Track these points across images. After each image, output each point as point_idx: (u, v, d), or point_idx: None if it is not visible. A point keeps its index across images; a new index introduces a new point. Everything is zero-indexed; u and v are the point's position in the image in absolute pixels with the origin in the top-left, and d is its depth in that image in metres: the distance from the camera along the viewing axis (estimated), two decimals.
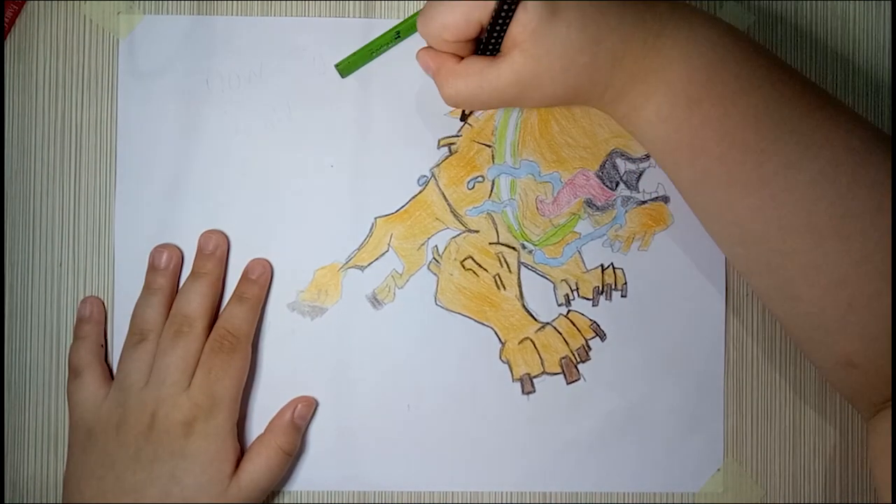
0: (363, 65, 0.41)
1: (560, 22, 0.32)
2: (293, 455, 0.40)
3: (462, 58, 0.35)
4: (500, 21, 0.32)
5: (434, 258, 0.41)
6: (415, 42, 0.41)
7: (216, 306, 0.40)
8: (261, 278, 0.40)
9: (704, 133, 0.33)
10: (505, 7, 0.32)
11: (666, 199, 0.41)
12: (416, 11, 0.41)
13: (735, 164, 0.33)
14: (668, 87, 0.33)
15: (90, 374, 0.39)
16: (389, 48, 0.41)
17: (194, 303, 0.39)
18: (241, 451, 0.39)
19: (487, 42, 0.34)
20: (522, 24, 0.32)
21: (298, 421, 0.40)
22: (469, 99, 0.35)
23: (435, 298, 0.41)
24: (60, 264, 0.41)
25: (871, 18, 0.42)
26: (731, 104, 0.33)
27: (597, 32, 0.32)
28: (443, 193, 0.41)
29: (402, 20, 0.41)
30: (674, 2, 0.34)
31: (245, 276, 0.40)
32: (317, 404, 0.41)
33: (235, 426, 0.38)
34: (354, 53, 0.41)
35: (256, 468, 0.38)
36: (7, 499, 0.40)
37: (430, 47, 0.36)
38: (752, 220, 0.33)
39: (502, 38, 0.33)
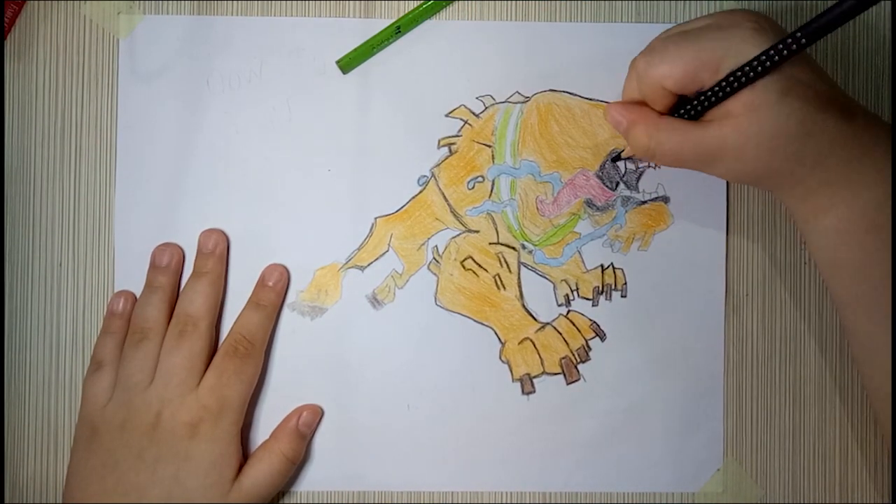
0: (364, 61, 0.41)
1: (784, 107, 0.32)
2: (297, 462, 0.40)
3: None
4: (728, 90, 0.32)
5: (434, 258, 0.41)
6: (415, 38, 0.41)
7: (219, 305, 0.40)
8: (277, 285, 0.40)
9: (873, 259, 0.33)
10: (738, 77, 0.32)
11: (666, 200, 0.41)
12: (416, 6, 0.41)
13: (886, 302, 0.33)
14: (854, 205, 0.33)
15: (110, 371, 0.39)
16: (390, 43, 0.41)
17: (197, 302, 0.39)
18: (244, 456, 0.39)
19: (697, 105, 0.34)
20: (745, 99, 0.32)
21: (303, 428, 0.40)
22: (666, 153, 0.34)
23: (435, 298, 0.41)
24: (60, 264, 0.41)
25: (871, 18, 0.42)
26: None
27: (812, 126, 0.32)
28: (443, 193, 0.41)
29: (401, 15, 0.41)
30: (879, 120, 0.34)
31: (262, 283, 0.40)
32: (322, 413, 0.41)
33: (240, 431, 0.38)
34: (355, 49, 0.41)
35: (259, 473, 0.38)
36: (7, 499, 0.40)
37: (621, 102, 0.36)
38: (885, 352, 0.34)
39: (715, 105, 0.33)
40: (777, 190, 0.35)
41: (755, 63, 0.31)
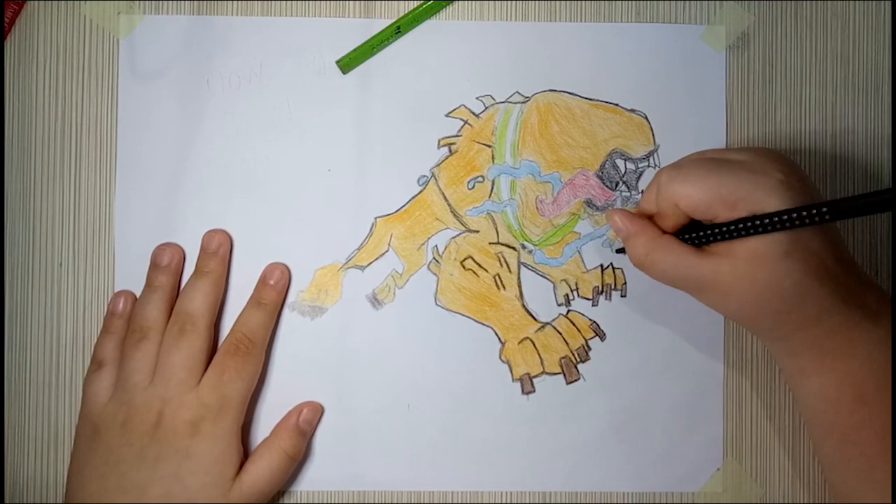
0: (364, 60, 0.41)
1: (784, 266, 0.32)
2: (297, 459, 0.40)
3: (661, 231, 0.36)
4: (738, 232, 0.32)
5: (434, 258, 0.41)
6: (415, 38, 0.41)
7: (219, 305, 0.40)
8: (278, 284, 0.40)
9: (862, 431, 0.33)
10: (753, 224, 0.32)
11: None
12: (416, 6, 0.41)
13: (879, 469, 0.33)
14: (842, 376, 0.33)
15: (111, 370, 0.39)
16: (390, 43, 0.41)
17: (197, 301, 0.39)
18: (245, 455, 0.39)
19: (703, 236, 0.34)
20: (751, 245, 0.32)
21: (304, 425, 0.40)
22: (658, 272, 0.35)
23: (435, 298, 0.41)
24: (60, 264, 0.41)
25: (871, 18, 0.42)
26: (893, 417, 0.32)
27: (806, 293, 0.32)
28: (443, 193, 0.41)
29: (401, 15, 0.41)
30: (885, 294, 0.34)
31: (263, 281, 0.40)
32: (323, 410, 0.41)
33: (240, 429, 0.38)
34: (355, 49, 0.41)
35: (259, 471, 0.38)
36: (7, 499, 0.40)
37: (626, 211, 0.36)
38: None
39: (719, 241, 0.33)
40: (762, 339, 0.35)
41: (775, 218, 0.31)
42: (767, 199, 0.32)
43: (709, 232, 0.33)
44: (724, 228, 0.33)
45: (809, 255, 0.32)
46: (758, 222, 0.32)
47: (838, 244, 0.34)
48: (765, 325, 0.34)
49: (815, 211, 0.31)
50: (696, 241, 0.34)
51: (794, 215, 0.31)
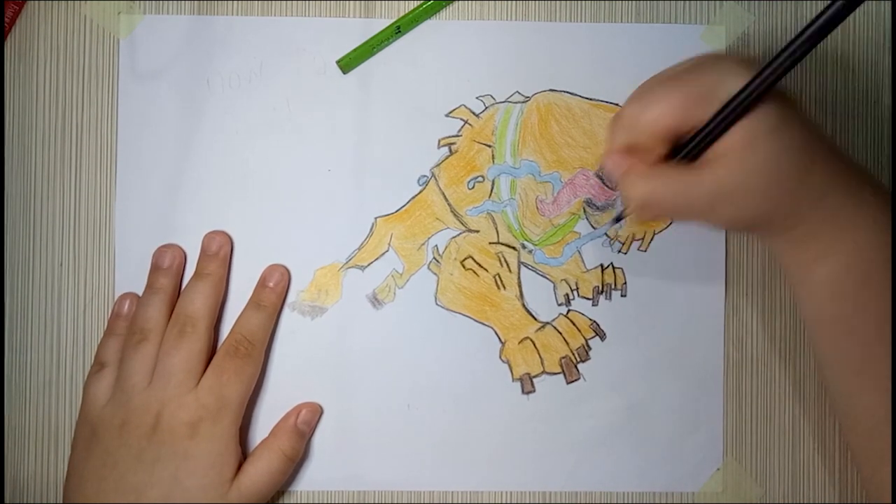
0: (364, 60, 0.41)
1: (781, 138, 0.30)
2: (296, 460, 0.40)
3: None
4: (723, 123, 0.30)
5: (434, 258, 0.41)
6: (415, 38, 0.41)
7: (219, 307, 0.40)
8: (278, 285, 0.40)
9: (862, 316, 0.33)
10: (732, 108, 0.30)
11: None
12: (416, 6, 0.41)
13: (874, 360, 0.32)
14: (850, 253, 0.32)
15: (112, 371, 0.39)
16: (390, 43, 0.41)
17: (198, 302, 0.39)
18: (243, 456, 0.39)
19: (693, 145, 0.31)
20: (741, 134, 0.30)
21: (302, 426, 0.40)
22: (661, 202, 0.32)
23: (435, 298, 0.41)
24: (61, 264, 0.41)
25: (871, 18, 0.42)
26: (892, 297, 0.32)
27: (811, 160, 0.31)
28: (443, 193, 0.41)
29: (401, 15, 0.41)
30: (870, 175, 0.34)
31: (262, 283, 0.40)
32: (322, 411, 0.41)
33: (238, 431, 0.38)
34: (355, 49, 0.41)
35: (258, 471, 0.38)
36: (7, 499, 0.40)
37: (619, 150, 0.33)
38: (875, 415, 0.33)
39: (711, 143, 0.31)
40: (776, 235, 0.34)
41: (748, 88, 0.30)
42: (734, 78, 0.30)
43: (698, 139, 0.31)
44: (709, 127, 0.31)
45: (798, 124, 0.31)
46: (736, 103, 0.30)
47: (821, 129, 0.33)
48: (784, 214, 0.32)
49: (783, 58, 0.29)
50: (690, 157, 0.32)
51: (766, 72, 0.29)
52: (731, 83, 0.30)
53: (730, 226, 0.33)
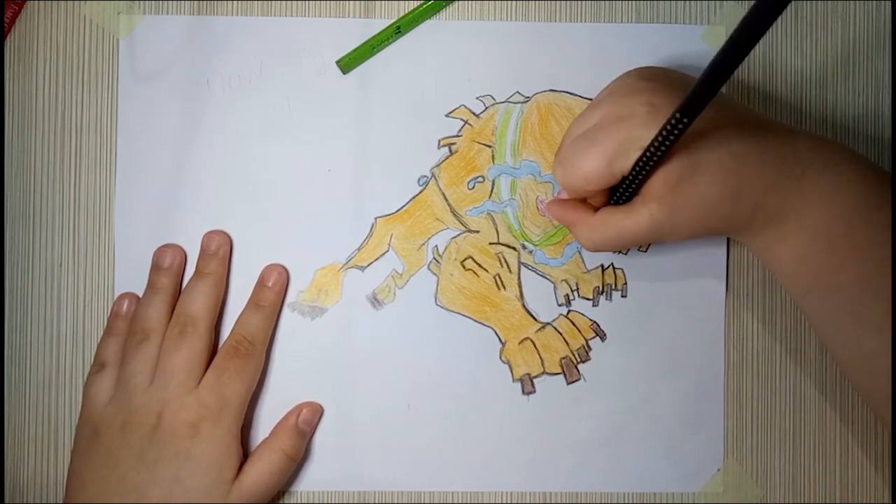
0: (364, 61, 0.41)
1: (701, 177, 0.32)
2: (297, 460, 0.39)
3: (595, 207, 0.36)
4: (642, 174, 0.33)
5: (434, 258, 0.41)
6: (415, 38, 0.41)
7: (220, 306, 0.40)
8: (276, 285, 0.40)
9: (840, 275, 0.33)
10: (646, 160, 0.32)
11: None
12: (416, 6, 0.41)
13: (867, 306, 0.33)
14: (807, 231, 0.33)
15: (113, 371, 0.39)
16: (390, 43, 0.41)
17: (198, 302, 0.39)
18: (244, 455, 0.39)
19: (623, 192, 0.34)
20: (662, 179, 0.32)
21: (303, 426, 0.40)
22: (606, 246, 0.36)
23: (435, 298, 0.41)
24: (60, 264, 0.41)
25: (871, 18, 0.42)
26: (868, 252, 0.33)
27: (737, 184, 0.33)
28: (443, 193, 0.41)
29: (402, 15, 0.41)
30: (815, 140, 0.34)
31: (261, 283, 0.40)
32: (322, 411, 0.41)
33: (240, 431, 0.38)
34: (355, 49, 0.41)
35: (259, 471, 0.38)
36: (7, 499, 0.40)
37: (562, 200, 0.37)
38: (881, 355, 0.33)
39: (639, 188, 0.34)
40: (730, 234, 0.36)
41: (651, 150, 0.31)
42: (644, 133, 0.32)
43: (620, 192, 0.34)
44: (628, 183, 0.33)
45: (717, 153, 0.32)
46: (646, 159, 0.32)
47: (739, 115, 0.34)
48: (723, 230, 0.35)
49: (674, 122, 0.30)
50: (624, 199, 0.35)
51: (661, 137, 0.31)
52: (640, 140, 0.32)
53: (680, 241, 0.36)
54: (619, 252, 0.41)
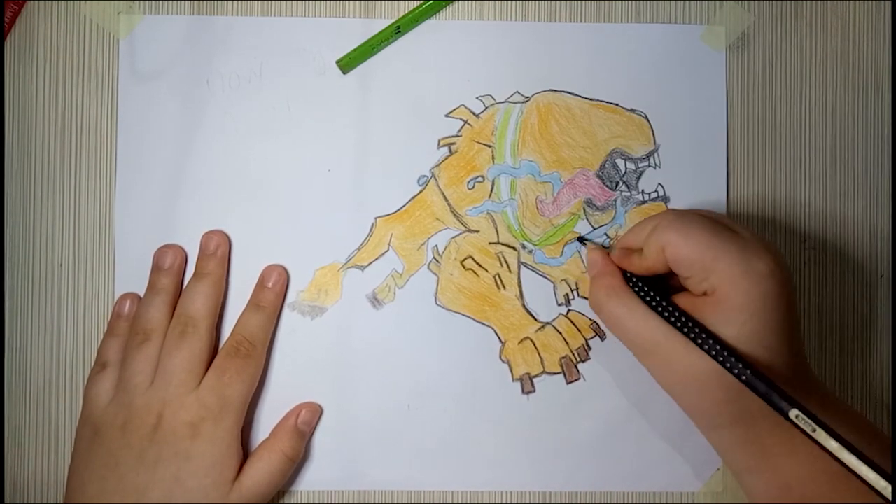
0: (364, 60, 0.41)
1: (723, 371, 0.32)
2: (297, 460, 0.39)
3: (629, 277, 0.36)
4: (692, 336, 0.33)
5: (434, 258, 0.41)
6: (415, 38, 0.41)
7: (220, 306, 0.40)
8: (276, 286, 0.40)
9: None
10: (703, 343, 0.32)
11: (666, 199, 0.41)
12: (416, 6, 0.41)
13: None
14: (786, 477, 0.33)
15: (114, 372, 0.39)
16: (390, 43, 0.41)
17: (198, 303, 0.39)
18: (244, 456, 0.39)
19: (662, 309, 0.34)
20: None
21: (302, 426, 0.40)
22: (607, 319, 0.36)
23: (435, 298, 0.41)
24: (61, 264, 0.41)
25: (871, 18, 0.42)
26: None
27: (742, 407, 0.32)
28: (443, 193, 0.41)
29: (401, 15, 0.41)
30: (825, 396, 0.34)
31: (261, 284, 0.40)
32: (322, 411, 0.41)
33: (240, 431, 0.38)
34: (355, 49, 0.41)
35: (259, 472, 0.38)
36: (7, 499, 0.41)
37: (604, 251, 0.38)
38: None
39: (674, 323, 0.34)
40: (699, 426, 0.35)
41: (707, 346, 0.32)
42: (741, 281, 0.32)
43: (672, 314, 0.34)
44: (680, 317, 0.33)
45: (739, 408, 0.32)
46: (699, 340, 0.32)
47: (788, 348, 0.33)
48: (703, 410, 0.34)
49: (737, 369, 0.31)
50: (652, 306, 0.35)
51: (722, 358, 0.31)
52: (723, 280, 0.32)
53: (659, 382, 0.35)
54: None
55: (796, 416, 0.30)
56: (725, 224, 0.35)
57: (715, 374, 0.32)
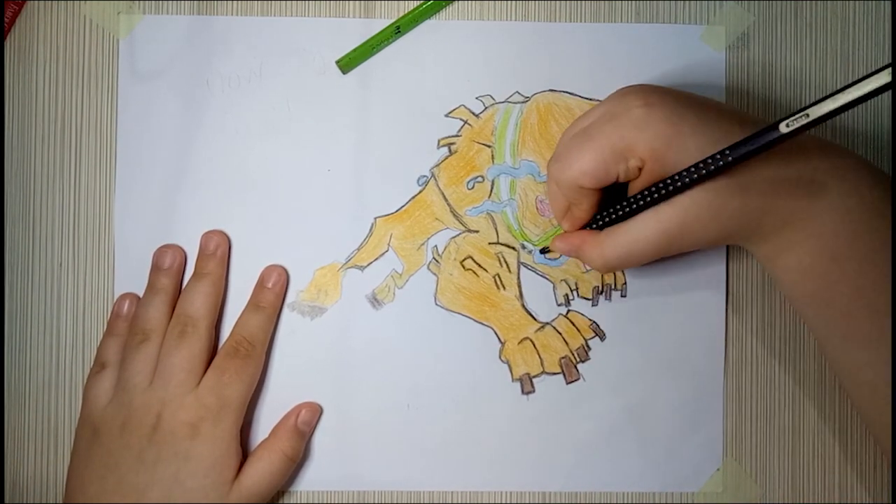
0: (364, 60, 0.41)
1: (703, 214, 0.33)
2: (296, 460, 0.40)
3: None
4: (649, 203, 0.33)
5: (434, 258, 0.41)
6: (415, 38, 0.41)
7: (219, 306, 0.40)
8: (276, 286, 0.40)
9: (838, 288, 0.33)
10: (657, 190, 0.32)
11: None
12: (416, 6, 0.41)
13: (858, 322, 0.33)
14: (814, 240, 0.33)
15: (113, 372, 0.39)
16: (390, 43, 0.41)
17: (198, 303, 0.39)
18: (244, 456, 0.39)
19: (621, 212, 0.35)
20: (682, 204, 0.33)
21: (302, 426, 0.40)
22: (619, 262, 0.35)
23: (435, 298, 0.41)
24: (60, 264, 0.41)
25: (871, 18, 0.42)
26: (870, 263, 0.33)
27: (743, 179, 0.32)
28: (443, 193, 0.41)
29: (401, 15, 0.41)
30: (826, 145, 0.34)
31: (261, 284, 0.40)
32: (322, 411, 0.41)
33: (240, 431, 0.38)
34: (355, 49, 0.41)
35: (258, 472, 0.38)
36: (7, 499, 0.41)
37: (563, 234, 0.38)
38: (867, 368, 0.34)
39: (633, 215, 0.34)
40: (740, 243, 0.35)
41: (670, 186, 0.32)
42: (638, 133, 0.32)
43: (628, 208, 0.34)
44: (650, 193, 0.33)
45: (739, 180, 0.32)
46: (674, 186, 0.32)
47: (743, 118, 0.34)
48: (736, 230, 0.34)
49: (718, 156, 0.31)
50: (623, 217, 0.35)
51: (704, 173, 0.31)
52: (637, 139, 0.32)
53: (695, 249, 0.35)
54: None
55: (787, 125, 0.29)
56: (584, 125, 0.35)
57: (720, 218, 0.33)
